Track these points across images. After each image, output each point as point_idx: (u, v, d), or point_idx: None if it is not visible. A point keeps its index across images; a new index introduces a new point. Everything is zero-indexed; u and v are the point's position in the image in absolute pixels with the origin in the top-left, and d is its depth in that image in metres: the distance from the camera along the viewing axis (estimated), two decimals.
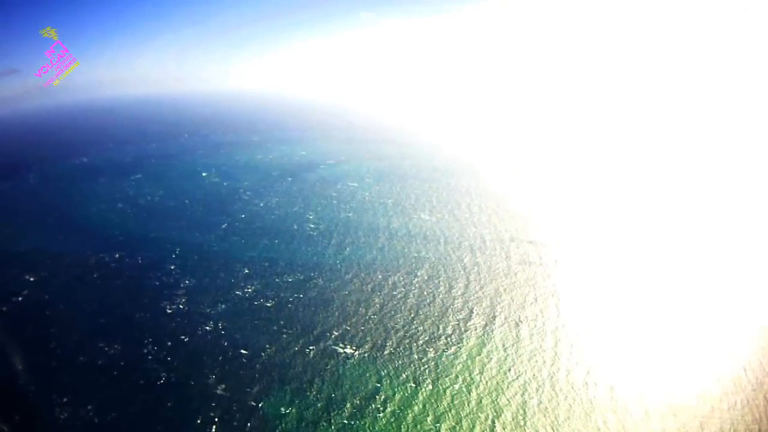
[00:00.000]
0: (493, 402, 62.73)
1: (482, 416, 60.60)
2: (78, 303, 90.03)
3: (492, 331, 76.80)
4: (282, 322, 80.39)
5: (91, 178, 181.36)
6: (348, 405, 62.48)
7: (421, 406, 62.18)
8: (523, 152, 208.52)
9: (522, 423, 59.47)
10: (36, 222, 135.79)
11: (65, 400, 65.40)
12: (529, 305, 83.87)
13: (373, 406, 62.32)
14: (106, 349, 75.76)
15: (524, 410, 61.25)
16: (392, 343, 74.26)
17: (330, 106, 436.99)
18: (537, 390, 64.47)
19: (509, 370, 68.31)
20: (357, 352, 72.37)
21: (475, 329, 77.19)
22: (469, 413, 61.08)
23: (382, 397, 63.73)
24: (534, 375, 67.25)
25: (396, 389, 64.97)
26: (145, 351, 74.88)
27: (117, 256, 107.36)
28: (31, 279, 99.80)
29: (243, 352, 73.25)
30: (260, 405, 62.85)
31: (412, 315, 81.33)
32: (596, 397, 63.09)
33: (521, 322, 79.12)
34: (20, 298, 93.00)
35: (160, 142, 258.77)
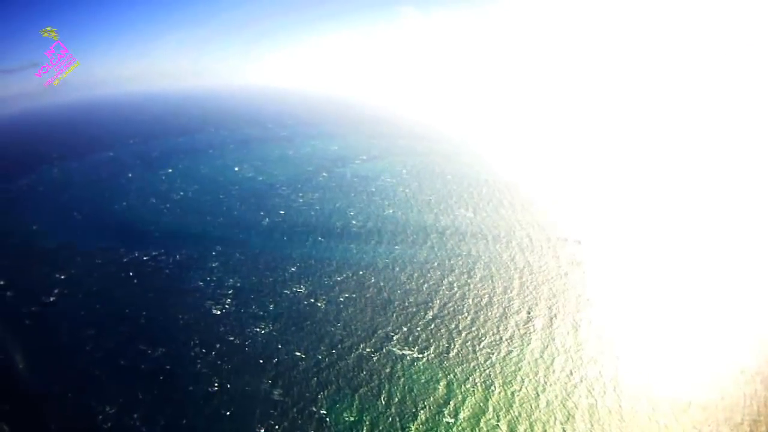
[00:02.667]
0: (562, 405, 60.35)
1: (552, 420, 58.17)
2: (114, 303, 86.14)
3: (551, 333, 73.87)
4: (339, 324, 76.94)
5: (119, 173, 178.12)
6: (421, 413, 59.18)
7: (492, 412, 59.32)
8: (561, 148, 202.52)
9: (591, 427, 57.47)
10: (63, 217, 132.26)
11: (108, 408, 61.40)
12: (584, 307, 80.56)
13: (446, 412, 59.26)
14: (149, 352, 72.12)
15: (591, 414, 59.12)
16: (456, 346, 70.87)
17: (358, 102, 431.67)
18: (602, 393, 62.18)
19: (572, 373, 65.70)
20: (423, 356, 68.80)
21: (535, 331, 74.18)
22: (539, 417, 58.57)
23: (453, 403, 60.57)
24: (597, 378, 64.77)
25: (466, 394, 61.93)
26: (193, 354, 71.36)
27: (154, 253, 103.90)
28: (62, 277, 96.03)
29: (299, 355, 69.76)
30: (325, 413, 59.35)
31: (472, 317, 77.87)
32: (659, 399, 61.21)
33: (578, 323, 76.06)
34: (51, 298, 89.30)
35: (187, 137, 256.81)
